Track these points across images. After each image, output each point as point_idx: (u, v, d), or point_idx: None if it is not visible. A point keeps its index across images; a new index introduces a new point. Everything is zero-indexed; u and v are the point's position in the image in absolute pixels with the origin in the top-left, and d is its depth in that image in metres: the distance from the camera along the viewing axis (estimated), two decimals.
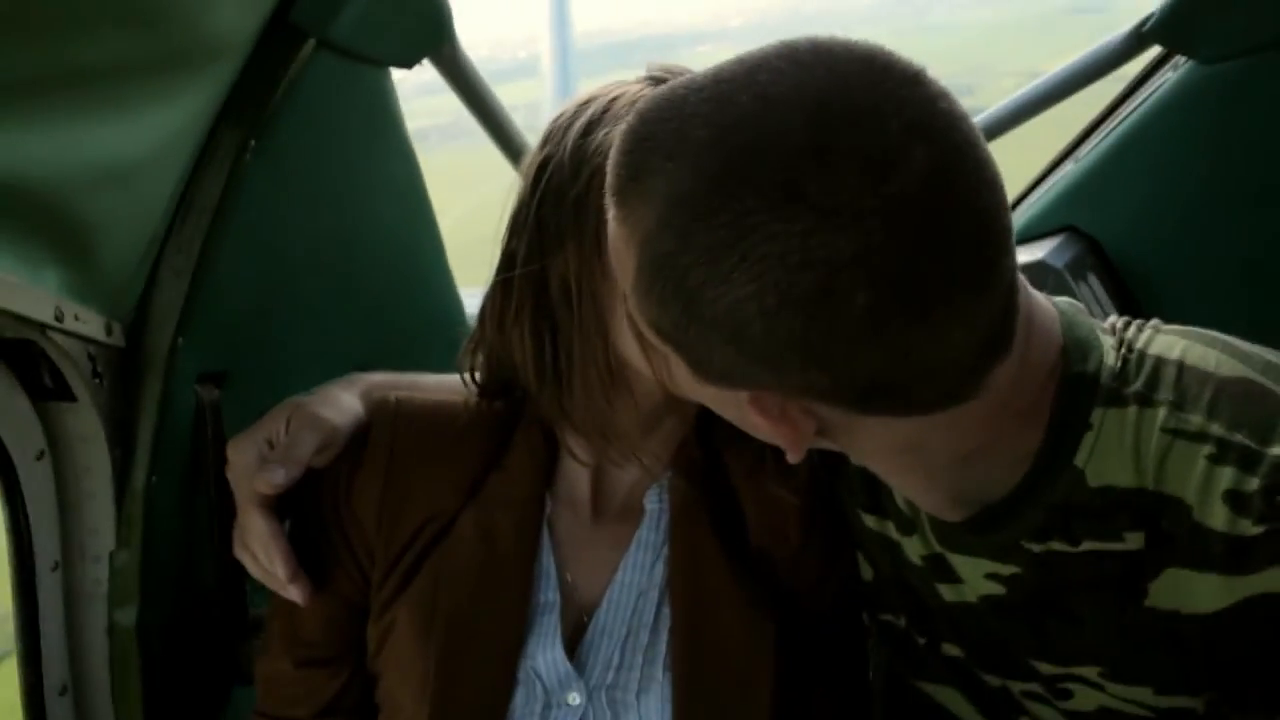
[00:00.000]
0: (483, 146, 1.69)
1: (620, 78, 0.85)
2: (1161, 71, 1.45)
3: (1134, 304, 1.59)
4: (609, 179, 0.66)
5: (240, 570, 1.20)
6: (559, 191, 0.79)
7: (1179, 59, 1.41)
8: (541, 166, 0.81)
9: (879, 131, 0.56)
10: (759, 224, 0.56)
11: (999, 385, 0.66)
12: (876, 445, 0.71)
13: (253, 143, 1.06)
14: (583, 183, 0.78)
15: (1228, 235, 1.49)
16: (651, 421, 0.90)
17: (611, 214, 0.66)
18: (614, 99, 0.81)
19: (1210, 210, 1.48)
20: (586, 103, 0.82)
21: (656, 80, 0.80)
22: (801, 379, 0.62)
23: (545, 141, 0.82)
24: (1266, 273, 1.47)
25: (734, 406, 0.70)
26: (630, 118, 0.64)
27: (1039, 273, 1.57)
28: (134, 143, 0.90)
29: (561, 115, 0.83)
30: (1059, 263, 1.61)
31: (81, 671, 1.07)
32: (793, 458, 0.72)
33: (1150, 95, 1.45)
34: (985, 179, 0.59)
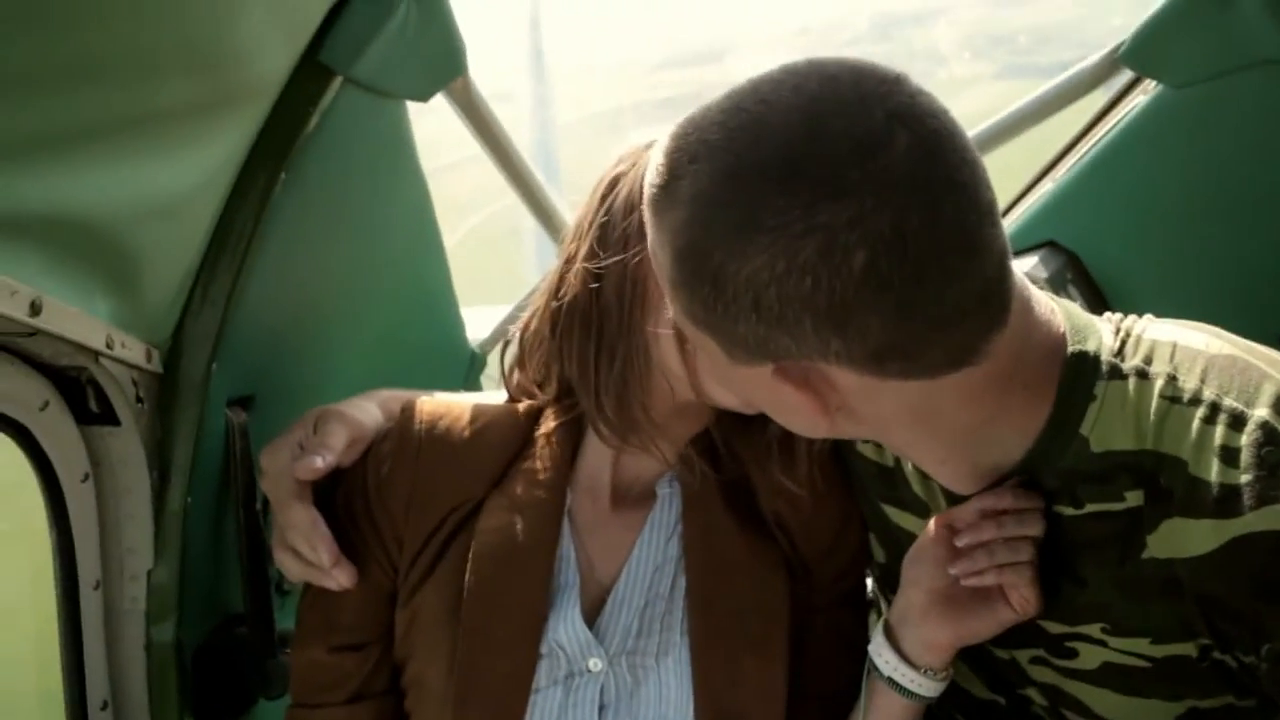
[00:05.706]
0: None
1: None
2: (1133, 94, 1.53)
3: None
4: (646, 196, 0.75)
5: (268, 587, 1.24)
6: (629, 203, 0.89)
7: (1150, 82, 1.49)
8: (614, 181, 0.92)
9: (865, 118, 0.65)
10: (767, 202, 0.65)
11: (1002, 355, 0.73)
12: (894, 412, 0.77)
13: (283, 176, 1.11)
14: None
15: (1199, 249, 1.56)
16: (678, 415, 0.97)
17: (649, 223, 0.75)
18: None
19: (1181, 225, 1.56)
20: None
21: None
22: (818, 342, 0.69)
23: (620, 161, 0.93)
24: (1236, 285, 1.55)
25: (765, 385, 0.76)
26: (664, 138, 0.73)
27: None
28: (178, 178, 0.95)
29: (639, 144, 0.93)
30: (1040, 276, 1.68)
31: (121, 687, 1.11)
32: (816, 433, 0.79)
33: (1123, 117, 1.53)
34: (966, 159, 0.67)
